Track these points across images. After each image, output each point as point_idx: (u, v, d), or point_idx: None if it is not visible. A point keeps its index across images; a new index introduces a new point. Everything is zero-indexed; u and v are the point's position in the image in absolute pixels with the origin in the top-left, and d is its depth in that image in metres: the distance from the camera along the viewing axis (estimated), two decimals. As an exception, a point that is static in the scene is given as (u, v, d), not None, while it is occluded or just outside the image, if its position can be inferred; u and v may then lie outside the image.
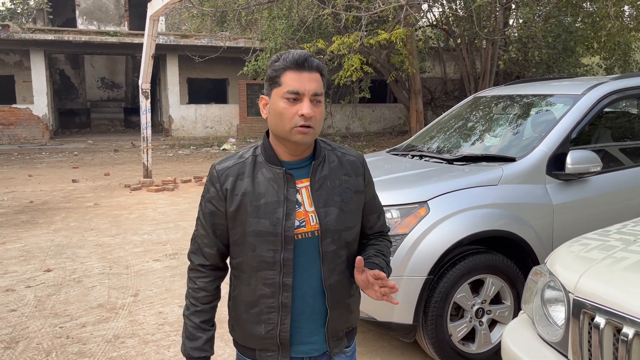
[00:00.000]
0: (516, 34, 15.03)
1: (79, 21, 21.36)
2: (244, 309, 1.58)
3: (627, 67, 15.25)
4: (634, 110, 4.22)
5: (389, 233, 3.19)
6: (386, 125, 20.80)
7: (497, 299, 3.39)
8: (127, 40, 18.51)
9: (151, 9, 9.68)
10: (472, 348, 3.32)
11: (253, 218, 1.50)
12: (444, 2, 14.66)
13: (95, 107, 24.31)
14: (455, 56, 16.23)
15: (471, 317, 3.30)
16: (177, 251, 5.92)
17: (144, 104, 10.62)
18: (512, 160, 3.62)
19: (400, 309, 3.17)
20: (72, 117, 23.60)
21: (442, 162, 3.91)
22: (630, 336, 1.66)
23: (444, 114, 4.93)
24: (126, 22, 21.79)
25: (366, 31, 12.64)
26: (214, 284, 1.62)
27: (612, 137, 4.10)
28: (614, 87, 3.92)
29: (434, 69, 18.60)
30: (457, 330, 3.27)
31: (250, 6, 14.33)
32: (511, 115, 4.33)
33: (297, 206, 1.52)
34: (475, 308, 3.30)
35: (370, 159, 4.41)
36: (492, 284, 3.31)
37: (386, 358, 3.56)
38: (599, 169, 3.52)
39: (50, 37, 17.74)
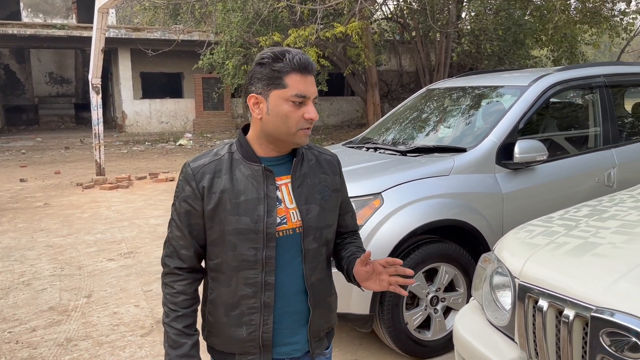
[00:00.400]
0: (469, 27, 15.30)
1: (23, 14, 20.58)
2: (224, 312, 1.52)
3: (574, 59, 15.70)
4: (579, 100, 4.34)
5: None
6: (344, 119, 20.90)
7: (450, 287, 3.45)
8: (76, 33, 17.87)
9: (99, 1, 9.41)
10: (428, 335, 3.38)
11: (233, 216, 1.46)
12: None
13: (44, 103, 23.43)
14: (411, 49, 16.42)
15: (426, 305, 3.36)
16: (132, 250, 5.80)
17: (95, 99, 10.36)
18: (463, 150, 3.69)
19: (356, 300, 3.20)
20: (19, 114, 22.72)
21: (396, 154, 3.96)
22: (571, 318, 1.71)
23: (398, 106, 4.98)
24: (74, 15, 21.11)
25: (322, 24, 12.65)
26: (192, 287, 1.55)
27: (557, 126, 4.22)
28: (559, 78, 4.03)
29: (390, 61, 18.77)
30: (413, 318, 3.32)
31: (203, -1, 14.12)
32: (463, 106, 4.40)
33: (277, 203, 1.50)
34: (430, 296, 3.36)
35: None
36: (446, 272, 3.37)
37: (345, 349, 3.58)
38: (545, 157, 3.62)
39: (-8, 30, 17.03)
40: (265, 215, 1.46)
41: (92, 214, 7.64)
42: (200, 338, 1.57)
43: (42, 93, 24.18)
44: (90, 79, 10.36)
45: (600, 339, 1.62)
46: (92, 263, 5.39)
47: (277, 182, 1.51)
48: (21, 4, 20.70)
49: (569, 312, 1.72)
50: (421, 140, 4.14)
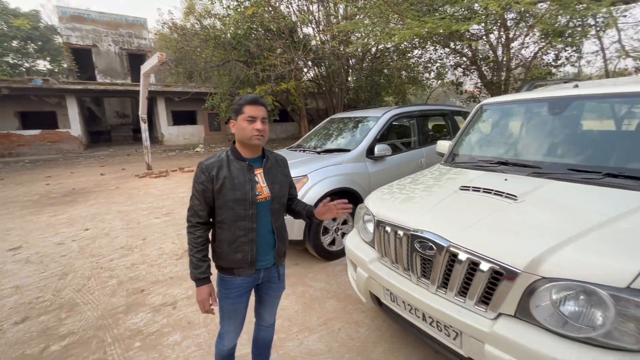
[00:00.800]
0: (352, 85, 15.49)
1: (98, 77, 18.53)
2: (227, 246, 1.48)
3: (405, 101, 16.28)
4: (407, 123, 4.46)
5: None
6: (289, 134, 20.53)
7: (345, 222, 3.51)
8: (130, 88, 16.31)
9: (143, 69, 8.73)
10: (334, 248, 3.43)
11: (231, 191, 1.44)
12: (316, 68, 14.62)
13: (114, 129, 21.37)
14: (323, 96, 16.36)
15: (333, 233, 3.42)
16: (169, 212, 5.44)
17: (144, 126, 9.61)
18: (349, 150, 3.73)
19: (296, 231, 3.19)
20: (98, 135, 20.56)
21: (314, 153, 3.95)
22: (401, 235, 1.77)
23: (314, 128, 4.93)
24: (129, 77, 19.26)
25: (274, 83, 12.36)
26: (206, 233, 1.50)
27: (396, 136, 4.35)
28: (396, 112, 4.15)
29: (312, 103, 18.61)
30: (326, 240, 3.36)
31: (206, 69, 13.45)
32: (349, 127, 4.44)
33: (256, 183, 1.49)
34: (334, 228, 3.42)
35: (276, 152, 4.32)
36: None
37: (290, 259, 3.55)
38: (389, 153, 3.74)
39: (79, 87, 15.18)
40: (250, 191, 1.45)
41: (145, 192, 7.10)
42: (212, 262, 1.54)
43: (112, 122, 22.00)
44: (140, 114, 9.55)
45: (415, 244, 1.70)
46: (145, 220, 5.03)
47: (255, 172, 1.50)
48: (96, 71, 18.64)
49: (400, 232, 1.78)
50: (328, 146, 4.14)
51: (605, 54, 10.18)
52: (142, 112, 9.47)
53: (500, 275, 1.37)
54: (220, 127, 18.65)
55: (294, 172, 3.29)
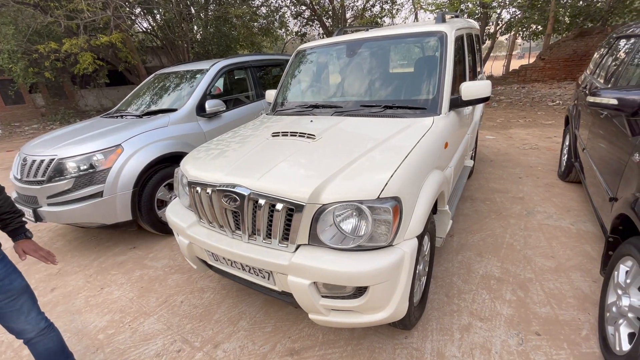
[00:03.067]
0: (198, 37, 13.88)
1: None
2: None
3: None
4: (241, 75, 4.23)
5: (97, 170, 2.66)
6: (131, 100, 17.37)
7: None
8: None
9: None
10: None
11: None
12: (148, 16, 12.28)
13: None
14: (165, 52, 14.16)
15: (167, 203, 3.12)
16: None
17: None
18: (175, 110, 3.34)
19: (120, 212, 2.77)
20: None
21: (135, 117, 3.37)
22: (210, 192, 1.69)
23: (136, 88, 4.19)
24: None
25: (92, 35, 9.84)
26: None
27: (232, 91, 4.13)
28: (226, 62, 3.88)
29: (154, 60, 15.95)
30: (162, 213, 3.05)
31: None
32: (175, 84, 3.93)
33: None
34: (170, 198, 3.11)
35: (83, 123, 3.49)
36: (178, 183, 3.15)
37: (125, 242, 3.14)
38: (223, 109, 3.54)
39: None
40: None
41: None
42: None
43: None
44: None
45: (222, 199, 1.65)
46: None
47: None
48: None
49: (209, 190, 1.69)
50: (151, 108, 3.59)
51: (415, 7, 12.04)
52: None
53: (292, 211, 1.47)
54: (24, 99, 14.04)
55: (102, 144, 2.75)
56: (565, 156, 3.59)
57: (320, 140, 1.83)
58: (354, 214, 1.40)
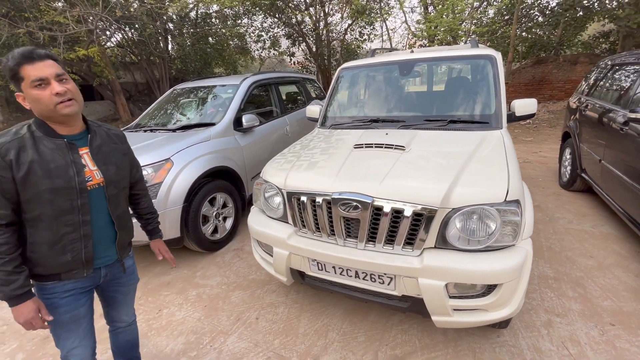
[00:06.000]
0: (175, 54, 13.70)
1: None
2: (48, 249, 1.16)
3: (237, 73, 15.79)
4: (266, 91, 4.25)
5: (148, 185, 2.55)
6: (100, 116, 16.29)
7: (225, 205, 3.16)
8: None
9: None
10: (217, 236, 3.07)
11: (46, 179, 1.11)
12: (125, 31, 11.90)
13: None
14: (140, 67, 13.73)
15: (213, 220, 3.03)
16: None
17: None
18: (213, 124, 3.29)
19: (169, 229, 2.65)
20: None
21: (168, 132, 3.28)
22: (320, 201, 1.72)
23: (155, 102, 4.06)
24: None
25: (66, 48, 9.31)
26: (13, 237, 1.13)
27: (255, 106, 4.14)
28: (256, 78, 3.92)
29: (126, 76, 15.35)
30: (207, 229, 2.95)
31: None
32: (202, 98, 3.89)
33: (84, 167, 1.19)
34: (214, 213, 3.03)
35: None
36: (221, 197, 3.07)
37: (164, 264, 2.97)
38: (258, 123, 3.56)
39: None
40: (76, 176, 1.16)
41: None
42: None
43: None
44: None
45: (339, 208, 1.68)
46: None
47: (80, 152, 1.20)
48: None
49: (319, 199, 1.72)
50: (183, 121, 3.51)
51: (389, 33, 12.89)
52: None
53: (420, 216, 1.55)
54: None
55: (151, 157, 2.64)
56: (569, 168, 4.00)
57: (412, 151, 1.94)
58: (483, 216, 1.50)
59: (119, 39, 12.45)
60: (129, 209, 1.42)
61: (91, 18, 9.22)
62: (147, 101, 15.86)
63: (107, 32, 11.74)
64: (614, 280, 2.35)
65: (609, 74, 3.46)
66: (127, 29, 11.75)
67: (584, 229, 3.09)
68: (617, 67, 3.34)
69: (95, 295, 1.40)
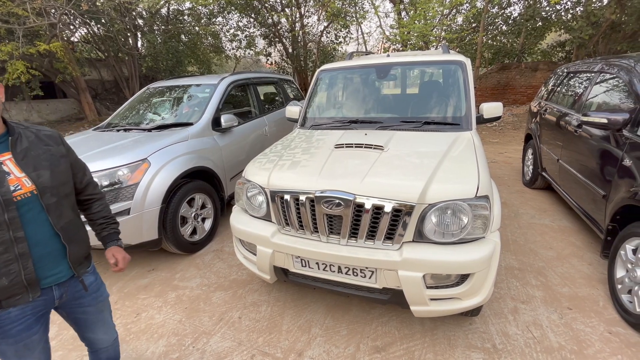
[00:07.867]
0: (145, 51, 13.21)
1: None
2: None
3: (211, 72, 15.44)
4: (244, 91, 4.22)
5: (123, 186, 2.48)
6: (63, 115, 15.35)
7: (204, 206, 3.12)
8: None
9: None
10: (196, 237, 3.03)
11: None
12: (91, 26, 11.32)
13: None
14: (107, 64, 13.13)
15: (192, 221, 2.98)
16: None
17: None
18: (191, 124, 3.25)
19: (146, 231, 2.59)
20: None
21: (144, 132, 3.19)
22: (304, 199, 1.76)
23: (128, 101, 3.93)
24: None
25: (25, 42, 8.73)
26: None
27: (233, 106, 4.10)
28: (234, 78, 3.89)
29: (92, 73, 14.58)
30: (186, 231, 2.91)
31: None
32: (178, 98, 3.81)
33: (7, 175, 1.04)
34: (193, 215, 2.99)
35: (78, 137, 3.21)
36: (199, 198, 3.03)
37: (143, 264, 2.89)
38: (237, 123, 3.54)
39: None
40: None
41: None
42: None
43: None
44: None
45: (322, 205, 1.73)
46: None
47: (0, 158, 1.05)
48: None
49: (302, 197, 1.76)
50: (159, 121, 3.42)
51: (364, 37, 13.17)
52: None
53: (399, 212, 1.63)
54: None
55: (126, 158, 2.57)
56: (531, 167, 4.30)
57: (390, 151, 2.03)
58: (456, 211, 1.61)
59: (83, 33, 11.84)
60: (80, 217, 1.27)
61: (53, 10, 8.72)
62: (116, 100, 15.18)
63: (72, 27, 11.13)
64: (571, 269, 2.57)
65: (565, 81, 3.76)
66: (93, 23, 11.18)
67: (544, 223, 3.34)
68: (572, 75, 3.64)
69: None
